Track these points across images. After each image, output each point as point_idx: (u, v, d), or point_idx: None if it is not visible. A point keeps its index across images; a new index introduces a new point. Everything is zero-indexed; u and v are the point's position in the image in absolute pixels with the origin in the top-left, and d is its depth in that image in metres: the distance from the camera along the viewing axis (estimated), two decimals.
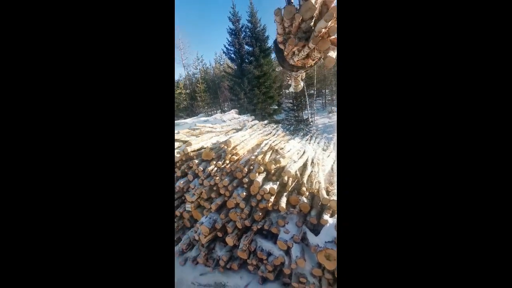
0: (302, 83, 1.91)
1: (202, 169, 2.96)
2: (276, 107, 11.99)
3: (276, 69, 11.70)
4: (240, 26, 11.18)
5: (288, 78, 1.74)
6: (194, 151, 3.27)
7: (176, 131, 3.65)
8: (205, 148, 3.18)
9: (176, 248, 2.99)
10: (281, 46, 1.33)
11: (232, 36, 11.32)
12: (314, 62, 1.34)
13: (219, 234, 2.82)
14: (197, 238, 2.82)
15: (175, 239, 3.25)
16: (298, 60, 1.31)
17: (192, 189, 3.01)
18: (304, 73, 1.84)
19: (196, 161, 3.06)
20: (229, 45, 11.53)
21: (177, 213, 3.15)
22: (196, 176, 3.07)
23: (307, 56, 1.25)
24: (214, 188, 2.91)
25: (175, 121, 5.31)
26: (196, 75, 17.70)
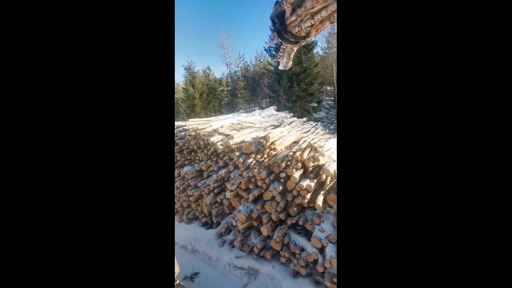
0: (291, 62, 1.56)
1: (242, 161, 3.17)
2: (316, 105, 11.53)
3: (318, 65, 11.18)
4: None
5: (280, 54, 1.47)
6: (235, 144, 3.52)
7: (220, 125, 3.98)
8: (245, 142, 3.39)
9: (216, 230, 3.31)
10: (288, 11, 1.15)
11: (275, 32, 11.32)
12: (332, 24, 1.13)
13: (255, 223, 2.99)
14: (234, 224, 3.06)
15: (215, 222, 3.60)
16: (306, 27, 1.13)
17: (232, 179, 3.27)
18: (296, 49, 1.48)
19: (237, 153, 3.29)
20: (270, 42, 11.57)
21: (217, 199, 3.48)
22: (236, 167, 3.31)
23: (322, 20, 1.08)
24: (252, 180, 3.09)
25: (216, 116, 5.75)
26: (237, 73, 18.47)
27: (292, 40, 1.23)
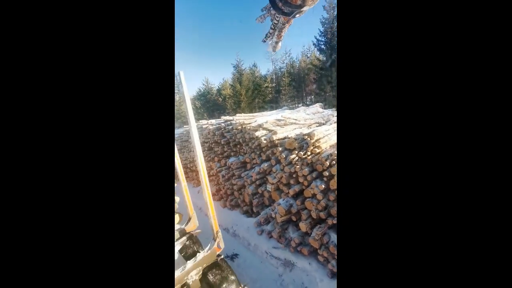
0: (280, 43, 1.30)
1: (284, 156, 3.25)
2: None
3: None
4: (335, 13, 10.37)
5: (270, 32, 1.28)
6: (278, 139, 3.62)
7: (265, 120, 4.14)
8: (288, 138, 3.44)
9: (255, 219, 3.53)
10: None
11: (325, 25, 10.74)
12: None
13: (293, 218, 3.04)
14: (273, 216, 3.19)
15: (255, 211, 3.82)
16: None
17: (274, 172, 3.39)
18: (288, 27, 1.25)
19: (280, 148, 3.38)
20: (320, 35, 11.05)
21: (259, 190, 3.67)
22: (278, 162, 3.41)
23: None
24: (294, 176, 3.13)
25: (261, 112, 5.94)
26: (282, 69, 18.34)
27: (285, 10, 1.06)
